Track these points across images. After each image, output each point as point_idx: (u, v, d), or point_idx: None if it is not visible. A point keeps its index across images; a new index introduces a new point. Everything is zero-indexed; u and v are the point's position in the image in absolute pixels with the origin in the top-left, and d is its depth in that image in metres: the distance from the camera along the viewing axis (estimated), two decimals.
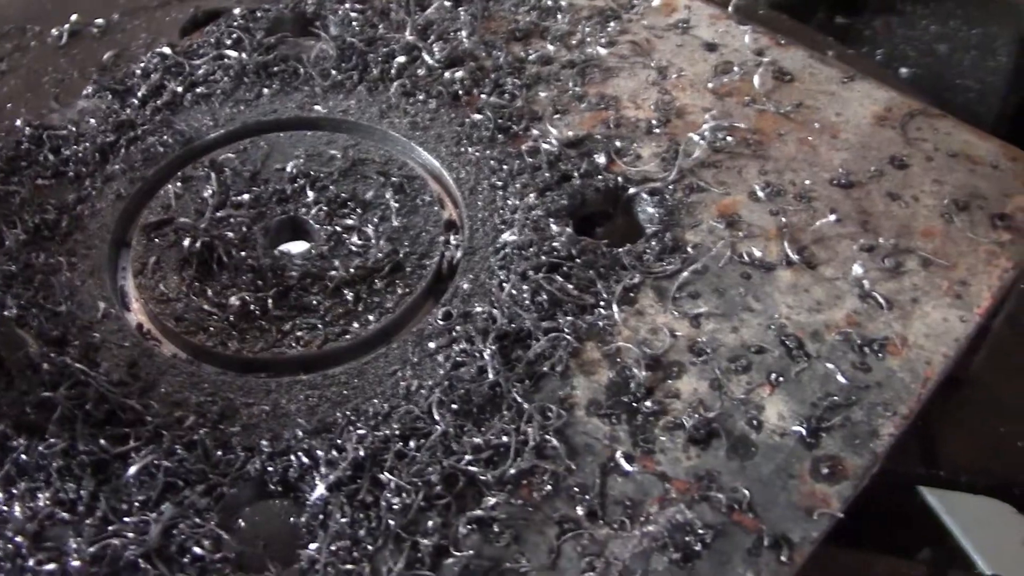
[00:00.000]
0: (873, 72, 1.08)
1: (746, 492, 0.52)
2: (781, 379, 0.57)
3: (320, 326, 0.59)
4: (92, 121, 0.70)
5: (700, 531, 0.51)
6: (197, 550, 0.50)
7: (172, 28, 0.93)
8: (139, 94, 0.72)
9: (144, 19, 0.94)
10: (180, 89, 0.72)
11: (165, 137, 0.69)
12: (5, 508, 0.51)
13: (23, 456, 0.52)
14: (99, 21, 0.92)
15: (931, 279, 0.61)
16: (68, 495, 0.51)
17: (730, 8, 0.79)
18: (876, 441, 0.54)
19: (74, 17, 0.93)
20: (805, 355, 0.58)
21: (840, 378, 0.57)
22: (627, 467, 0.53)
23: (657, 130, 0.69)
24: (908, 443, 0.80)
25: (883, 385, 0.57)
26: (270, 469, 0.53)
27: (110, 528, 0.51)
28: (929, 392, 0.57)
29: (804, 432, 0.54)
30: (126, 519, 0.51)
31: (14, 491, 0.51)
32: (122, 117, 0.70)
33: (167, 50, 0.75)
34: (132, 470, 0.51)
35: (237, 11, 0.77)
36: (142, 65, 0.74)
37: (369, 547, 0.50)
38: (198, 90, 0.72)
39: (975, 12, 1.57)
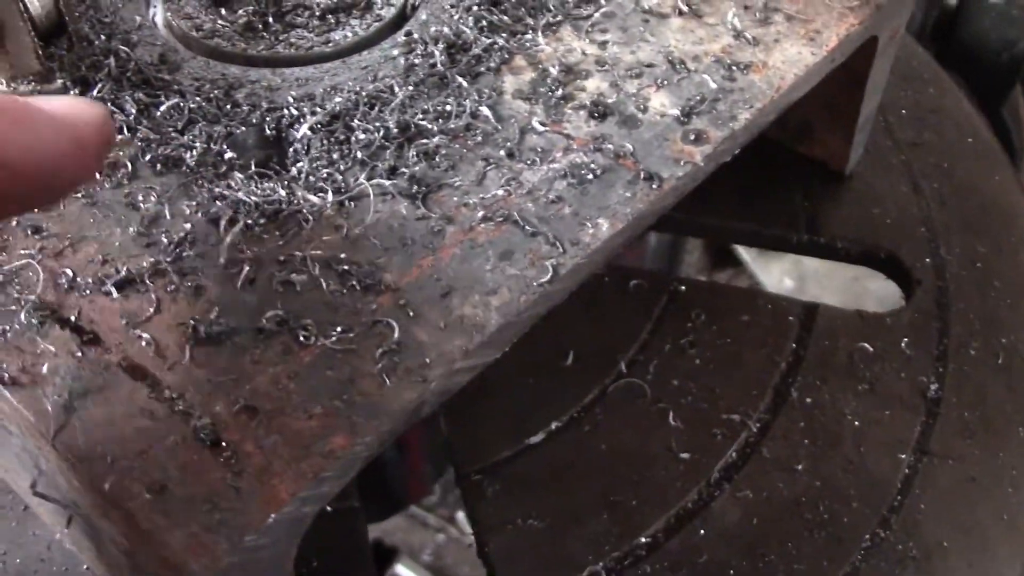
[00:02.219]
0: None
1: (630, 147, 0.69)
2: (665, 83, 0.73)
3: (308, 36, 0.76)
4: None
5: (593, 167, 0.67)
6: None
7: None
8: None
9: None
10: None
11: None
12: None
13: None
14: None
15: (792, 28, 0.77)
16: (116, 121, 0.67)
17: None
18: (734, 123, 0.71)
19: None
20: (686, 69, 0.74)
21: (711, 84, 0.73)
22: (540, 128, 0.70)
23: None
24: (796, 218, 0.98)
25: (744, 90, 0.73)
26: (267, 119, 0.69)
27: None
28: (781, 98, 0.74)
29: (679, 114, 0.71)
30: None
31: None
32: None
33: None
34: (163, 107, 0.68)
35: None
36: None
37: (341, 166, 0.66)
38: None
39: None
